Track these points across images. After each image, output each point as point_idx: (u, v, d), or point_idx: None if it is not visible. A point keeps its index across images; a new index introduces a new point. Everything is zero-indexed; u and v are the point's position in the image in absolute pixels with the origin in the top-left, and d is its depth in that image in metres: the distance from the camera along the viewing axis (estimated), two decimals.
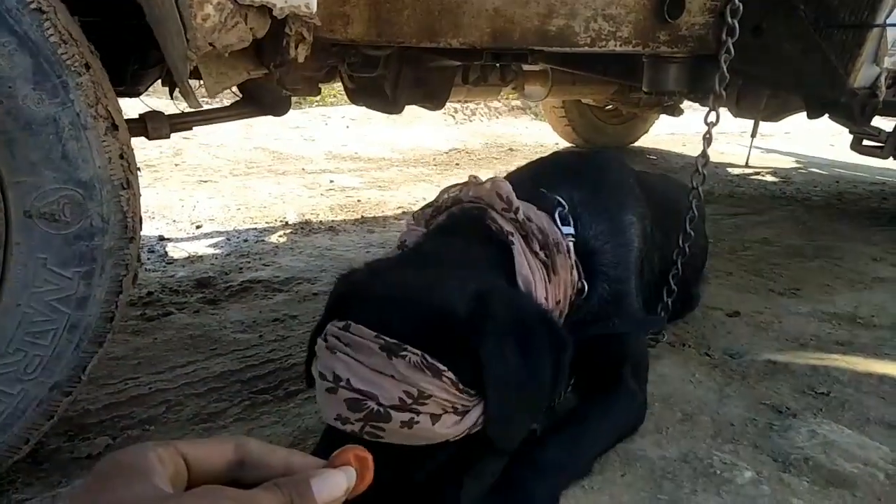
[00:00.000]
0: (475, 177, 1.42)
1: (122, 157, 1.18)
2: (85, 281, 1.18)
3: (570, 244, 1.32)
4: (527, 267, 1.21)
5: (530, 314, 1.13)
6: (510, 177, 1.63)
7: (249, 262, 2.61)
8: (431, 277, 1.13)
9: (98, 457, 1.38)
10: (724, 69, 1.60)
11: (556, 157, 1.76)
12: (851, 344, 1.91)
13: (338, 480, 0.54)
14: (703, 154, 1.62)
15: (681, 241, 1.66)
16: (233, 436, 0.61)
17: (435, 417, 0.97)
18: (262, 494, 0.50)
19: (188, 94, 1.25)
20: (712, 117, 1.65)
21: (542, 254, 1.25)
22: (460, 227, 1.31)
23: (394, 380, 0.96)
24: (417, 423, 0.96)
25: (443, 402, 0.97)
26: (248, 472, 0.54)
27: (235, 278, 2.42)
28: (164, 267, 2.56)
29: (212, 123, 1.97)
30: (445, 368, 0.97)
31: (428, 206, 1.46)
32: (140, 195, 1.26)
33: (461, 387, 0.99)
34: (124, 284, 1.24)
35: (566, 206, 1.39)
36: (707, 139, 1.64)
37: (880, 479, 1.27)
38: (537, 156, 1.84)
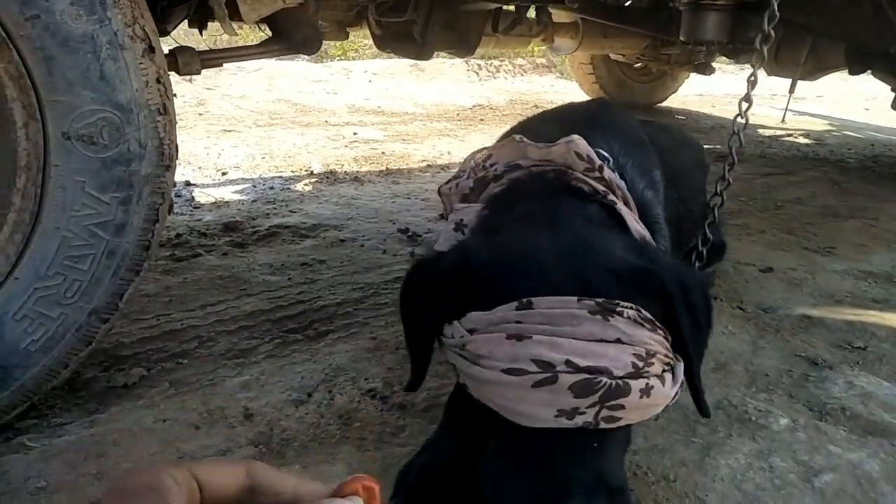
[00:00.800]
0: (516, 135, 1.30)
1: (158, 81, 1.16)
2: (123, 207, 1.18)
3: None
4: (636, 224, 1.13)
5: (685, 271, 1.06)
6: (523, 127, 1.57)
7: (276, 209, 2.60)
8: (576, 236, 0.98)
9: (133, 387, 1.40)
10: (775, 5, 1.52)
11: (571, 107, 1.70)
12: (888, 301, 1.87)
13: None
14: (747, 97, 1.57)
15: (717, 188, 1.62)
16: (244, 459, 0.61)
17: (661, 379, 0.87)
18: None
19: (224, 20, 1.22)
20: (756, 63, 1.57)
21: (634, 214, 1.17)
22: (545, 191, 1.15)
23: (620, 344, 0.84)
24: (653, 388, 0.85)
25: (663, 360, 0.88)
26: (258, 498, 0.55)
27: (262, 223, 2.42)
28: (192, 211, 2.56)
29: (243, 59, 1.94)
30: (655, 320, 0.88)
31: (456, 178, 1.33)
32: (176, 122, 1.25)
33: (669, 337, 0.90)
34: (160, 213, 1.24)
35: (610, 160, 1.32)
36: (752, 82, 1.57)
37: None
38: None
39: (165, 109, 1.19)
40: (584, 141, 1.19)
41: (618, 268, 0.91)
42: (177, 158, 1.26)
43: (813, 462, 1.15)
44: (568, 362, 0.82)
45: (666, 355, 0.89)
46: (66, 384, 1.39)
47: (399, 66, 5.82)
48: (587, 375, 0.82)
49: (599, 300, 0.85)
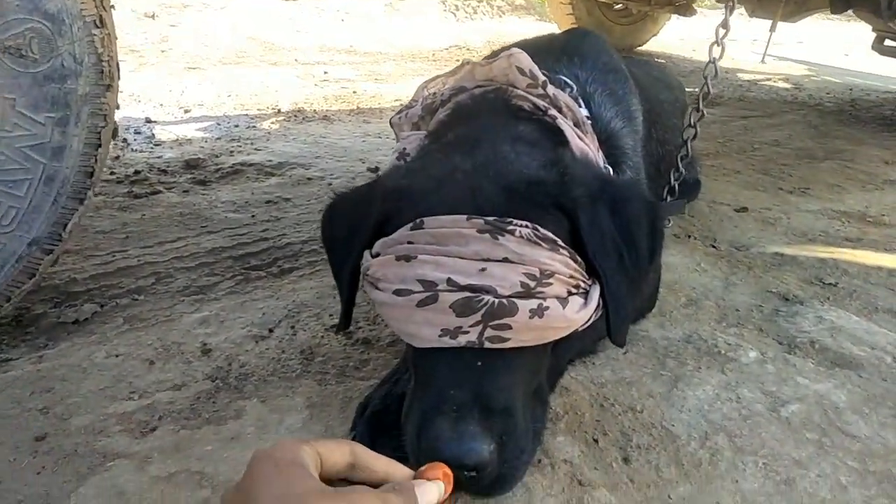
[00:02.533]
0: (468, 61, 1.23)
1: None
2: (59, 129, 1.09)
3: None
4: (578, 140, 1.07)
5: (615, 181, 1.01)
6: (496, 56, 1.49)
7: (240, 147, 2.50)
8: (488, 156, 0.93)
9: (85, 323, 1.33)
10: None
11: (541, 38, 1.62)
12: (861, 240, 1.86)
13: (433, 492, 0.68)
14: (724, 24, 1.50)
15: (692, 119, 1.56)
16: (347, 441, 0.71)
17: (563, 301, 0.84)
18: (391, 496, 0.63)
19: None
20: None
21: (577, 130, 1.11)
22: (483, 112, 1.09)
23: (508, 263, 0.81)
24: (547, 308, 0.82)
25: (566, 280, 0.85)
26: (357, 474, 0.67)
27: (226, 161, 2.32)
28: (152, 148, 2.45)
29: None
30: (558, 238, 0.84)
31: (407, 107, 1.26)
32: (116, 38, 1.15)
33: (578, 258, 0.86)
34: (103, 137, 1.15)
35: (574, 87, 1.26)
36: (729, 7, 1.50)
37: (887, 361, 1.25)
38: None
39: (102, 22, 1.09)
40: (525, 55, 1.13)
41: (517, 184, 0.87)
42: (119, 78, 1.17)
43: (780, 393, 1.14)
44: (449, 280, 0.80)
45: (572, 276, 0.85)
46: (13, 320, 1.33)
47: (373, 5, 5.61)
48: (469, 294, 0.80)
49: (490, 219, 0.82)
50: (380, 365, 1.21)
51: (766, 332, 1.35)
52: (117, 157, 2.30)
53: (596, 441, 1.02)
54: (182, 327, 1.33)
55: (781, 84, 4.23)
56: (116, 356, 1.22)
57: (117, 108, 1.18)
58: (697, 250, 1.76)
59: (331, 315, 1.39)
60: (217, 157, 2.36)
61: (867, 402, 1.13)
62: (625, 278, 0.91)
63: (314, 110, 3.09)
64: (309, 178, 2.21)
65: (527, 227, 0.82)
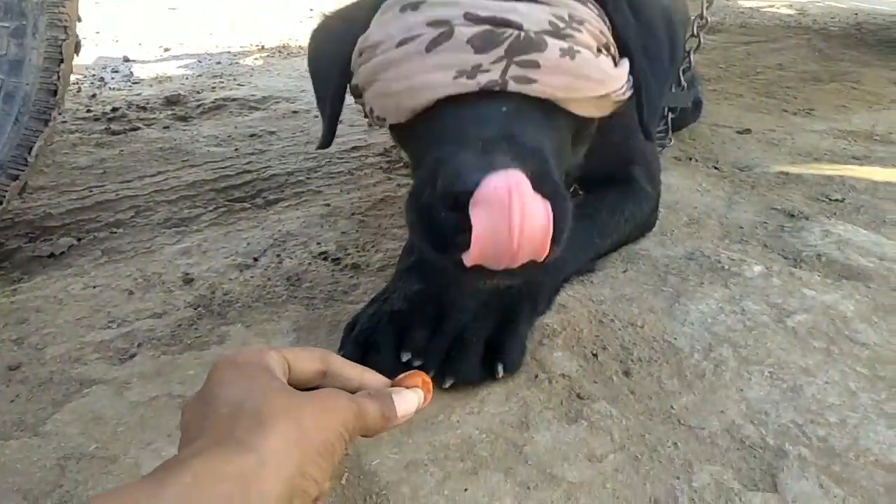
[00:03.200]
0: None
1: None
2: (15, 40, 1.01)
3: None
4: None
5: None
6: None
7: (222, 83, 2.40)
8: None
9: (61, 256, 1.28)
10: None
11: None
12: (868, 157, 1.80)
13: (412, 399, 0.64)
14: None
15: (695, 29, 1.47)
16: (319, 349, 0.65)
17: (594, 51, 0.77)
18: (366, 402, 0.58)
19: None
20: None
21: None
22: None
23: (534, 4, 0.74)
24: (579, 52, 0.75)
25: (596, 35, 0.78)
26: (329, 382, 0.62)
27: (207, 97, 2.23)
28: (130, 86, 2.35)
29: None
30: None
31: None
32: None
33: (605, 19, 0.80)
34: (65, 51, 1.07)
35: None
36: None
37: None
38: None
39: None
40: None
41: None
42: None
43: (786, 304, 1.10)
44: (467, 15, 0.72)
45: (602, 33, 0.79)
46: None
47: None
48: (490, 27, 0.72)
49: None
50: (369, 289, 1.16)
51: (770, 248, 1.30)
52: (94, 96, 2.21)
53: (595, 356, 0.98)
54: (163, 258, 1.28)
55: (784, 10, 4.08)
56: (94, 287, 1.17)
57: (79, 20, 1.10)
58: (699, 172, 1.69)
59: (318, 243, 1.34)
60: (198, 93, 2.27)
61: (876, 311, 1.08)
62: (650, 65, 0.85)
63: (299, 46, 2.97)
64: (294, 112, 2.13)
65: None
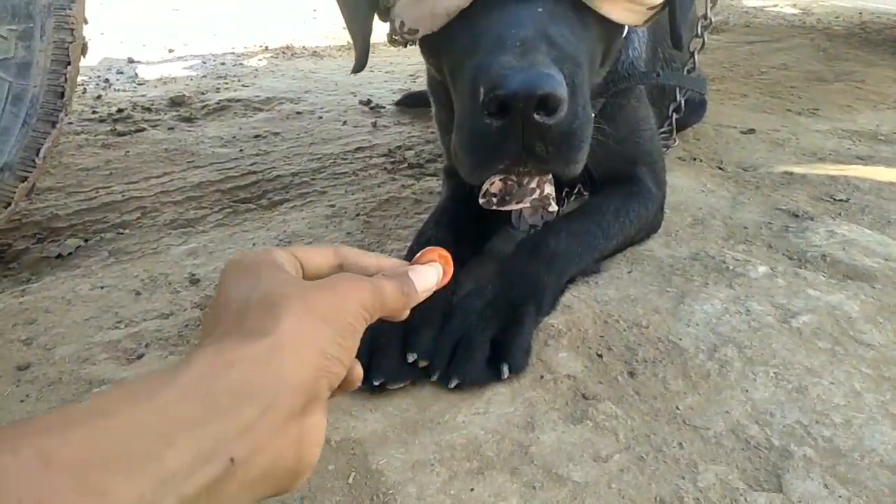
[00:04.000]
0: None
1: None
2: (23, 43, 1.02)
3: None
4: None
5: None
6: None
7: (227, 84, 2.41)
8: None
9: (69, 257, 1.29)
10: None
11: None
12: (872, 158, 1.79)
13: (430, 275, 0.62)
14: None
15: (699, 29, 1.47)
16: (331, 245, 0.66)
17: None
18: (383, 282, 0.56)
19: None
20: None
21: None
22: None
23: None
24: None
25: None
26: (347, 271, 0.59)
27: (212, 98, 2.24)
28: (135, 87, 2.36)
29: None
30: None
31: None
32: None
33: None
34: (72, 53, 1.08)
35: None
36: None
37: None
38: None
39: None
40: None
41: None
42: None
43: (791, 305, 1.10)
44: None
45: None
46: None
47: None
48: None
49: None
50: None
51: (775, 248, 1.30)
52: (99, 97, 2.22)
53: (600, 356, 0.98)
54: (169, 259, 1.28)
55: (788, 9, 4.08)
56: (101, 288, 1.18)
57: (85, 22, 1.10)
58: (703, 172, 1.69)
59: (324, 243, 1.34)
60: (203, 94, 2.28)
61: (881, 311, 1.08)
62: None
63: (303, 47, 2.98)
64: (298, 112, 2.13)
65: None
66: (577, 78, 0.77)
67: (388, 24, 0.94)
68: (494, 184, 1.02)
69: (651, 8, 0.90)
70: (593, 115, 1.15)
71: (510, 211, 1.15)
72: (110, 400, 0.39)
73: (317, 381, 0.46)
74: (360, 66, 1.03)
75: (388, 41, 0.98)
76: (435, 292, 0.98)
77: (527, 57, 0.71)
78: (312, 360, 0.46)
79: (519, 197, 1.03)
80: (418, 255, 0.65)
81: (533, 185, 1.03)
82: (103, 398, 0.39)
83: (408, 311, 0.60)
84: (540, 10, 0.78)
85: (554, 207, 1.09)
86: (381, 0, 0.91)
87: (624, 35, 1.05)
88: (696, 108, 1.85)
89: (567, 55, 0.76)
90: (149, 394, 0.39)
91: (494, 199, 1.04)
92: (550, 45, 0.74)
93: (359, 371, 0.56)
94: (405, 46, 0.97)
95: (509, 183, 1.02)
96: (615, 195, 1.25)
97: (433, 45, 0.93)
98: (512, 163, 0.79)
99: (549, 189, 1.07)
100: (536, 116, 0.71)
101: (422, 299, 0.60)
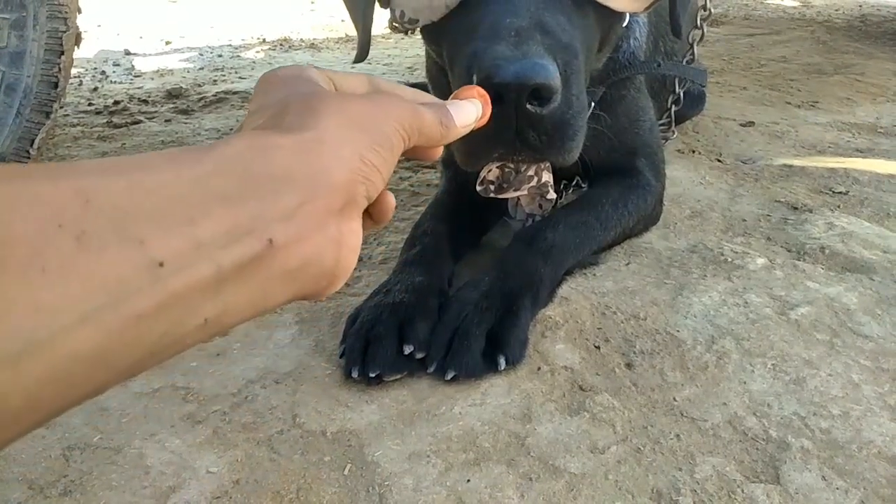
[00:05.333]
0: None
1: None
2: (16, 32, 1.01)
3: None
4: None
5: None
6: None
7: (224, 76, 2.40)
8: None
9: None
10: None
11: None
12: (872, 150, 1.79)
13: (470, 110, 0.59)
14: None
15: (698, 21, 1.46)
16: (361, 73, 0.59)
17: None
18: (424, 109, 0.52)
19: None
20: None
21: None
22: None
23: None
24: None
25: None
26: None
27: (209, 90, 2.23)
28: (132, 79, 2.35)
29: None
30: None
31: None
32: None
33: None
34: (65, 43, 1.07)
35: None
36: None
37: None
38: None
39: None
40: None
41: None
42: None
43: (789, 297, 1.10)
44: None
45: None
46: None
47: None
48: None
49: None
50: (372, 282, 1.16)
51: (774, 240, 1.30)
52: (95, 89, 2.21)
53: (598, 348, 0.98)
54: None
55: (788, 2, 4.06)
56: None
57: (79, 11, 1.09)
58: (702, 164, 1.69)
59: None
60: (200, 86, 2.27)
61: (879, 303, 1.08)
62: None
63: (301, 39, 2.97)
64: None
65: None
66: (571, 67, 0.78)
67: (388, 11, 0.93)
68: (492, 171, 1.02)
69: None
70: (592, 103, 1.16)
71: (507, 199, 1.15)
72: (151, 158, 0.38)
73: (355, 184, 0.45)
74: (361, 55, 1.03)
75: (390, 27, 0.98)
76: (429, 283, 0.99)
77: (521, 46, 0.72)
78: (351, 162, 0.44)
79: (517, 185, 1.03)
80: (458, 91, 0.62)
81: (531, 172, 1.03)
82: (146, 156, 0.38)
83: (444, 144, 0.57)
84: None
85: (552, 195, 1.09)
86: None
87: (625, 23, 1.05)
88: (695, 101, 1.84)
89: (562, 44, 0.77)
90: (189, 162, 0.38)
91: (492, 187, 1.03)
92: (545, 33, 0.75)
93: (391, 200, 0.53)
94: (406, 34, 0.97)
95: (506, 170, 1.02)
96: (614, 187, 1.24)
97: (433, 34, 0.93)
98: (506, 151, 0.80)
99: (547, 177, 1.06)
100: (529, 106, 0.72)
101: (460, 135, 0.57)
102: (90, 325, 0.32)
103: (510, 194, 1.04)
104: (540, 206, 1.15)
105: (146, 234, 0.34)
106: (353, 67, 1.21)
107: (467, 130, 0.58)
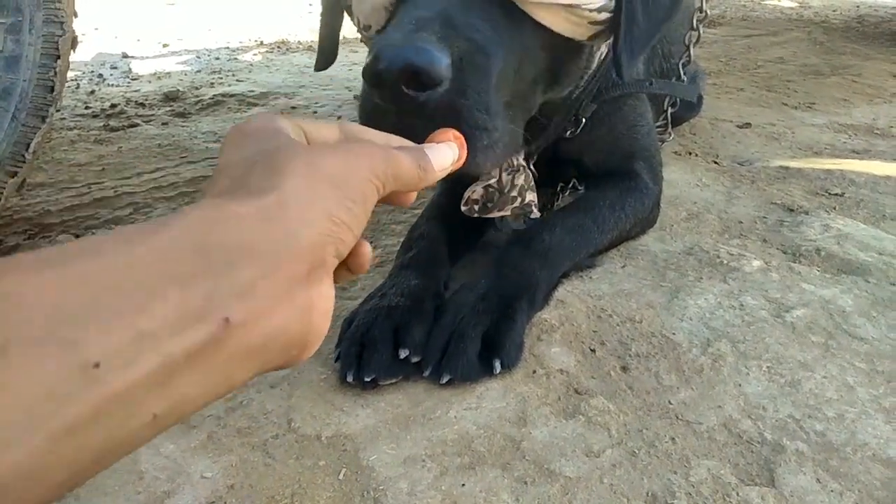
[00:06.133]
0: None
1: None
2: (12, 36, 1.01)
3: None
4: None
5: None
6: None
7: (221, 79, 2.40)
8: None
9: None
10: None
11: None
12: (868, 152, 1.79)
13: (446, 153, 0.58)
14: None
15: (694, 22, 1.46)
16: (334, 120, 0.57)
17: None
18: (397, 152, 0.51)
19: None
20: None
21: None
22: None
23: None
24: None
25: None
26: None
27: (206, 93, 2.23)
28: (129, 82, 2.35)
29: None
30: None
31: None
32: None
33: None
34: (61, 47, 1.07)
35: None
36: None
37: None
38: None
39: None
40: None
41: None
42: None
43: (785, 299, 1.10)
44: None
45: None
46: None
47: None
48: None
49: None
50: (368, 285, 1.16)
51: (769, 242, 1.30)
52: (92, 92, 2.21)
53: (593, 351, 0.98)
54: None
55: (786, 3, 4.07)
56: None
57: (75, 15, 1.09)
58: (699, 166, 1.69)
59: None
60: (197, 89, 2.27)
61: (875, 305, 1.08)
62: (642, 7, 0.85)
63: (298, 41, 2.97)
64: (293, 107, 2.12)
65: None
66: (473, 59, 0.73)
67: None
68: (476, 191, 1.02)
69: (594, 23, 0.86)
70: (583, 119, 1.15)
71: None
72: (97, 242, 0.35)
73: (323, 247, 0.43)
74: (322, 63, 1.00)
75: (362, 41, 0.97)
76: (425, 287, 0.99)
77: (412, 34, 0.69)
78: (319, 224, 0.42)
79: (500, 205, 1.02)
80: (432, 134, 0.61)
81: (514, 193, 1.03)
82: (91, 240, 0.36)
83: (421, 188, 0.55)
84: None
85: (536, 214, 1.09)
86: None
87: (602, 55, 1.04)
88: (691, 103, 1.84)
89: (463, 36, 0.73)
90: (138, 240, 0.35)
91: (476, 207, 1.03)
92: (447, 26, 0.72)
93: (367, 250, 0.51)
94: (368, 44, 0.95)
95: (490, 190, 1.01)
96: (611, 189, 1.25)
97: None
98: None
99: (532, 197, 1.06)
100: (406, 90, 0.68)
101: (437, 179, 0.55)
102: (13, 449, 0.29)
103: (494, 214, 1.04)
104: (524, 222, 1.15)
105: (79, 333, 0.31)
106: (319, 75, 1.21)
107: (445, 174, 0.57)
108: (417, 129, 0.67)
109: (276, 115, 0.51)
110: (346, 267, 0.50)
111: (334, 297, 0.46)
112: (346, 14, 0.96)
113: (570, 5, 0.81)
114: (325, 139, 0.52)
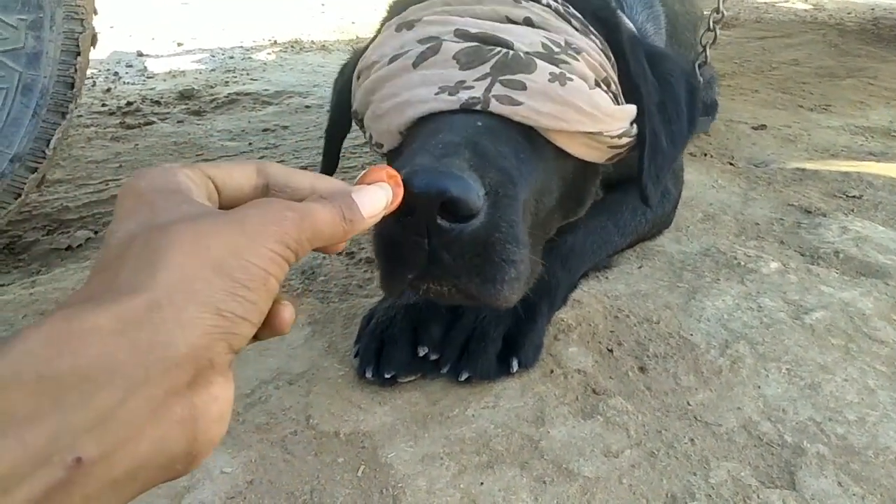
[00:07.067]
0: None
1: None
2: (33, 33, 1.02)
3: None
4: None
5: (652, 46, 0.93)
6: None
7: (236, 77, 2.41)
8: None
9: (78, 249, 1.29)
10: None
11: None
12: (885, 154, 1.78)
13: (378, 195, 0.51)
14: None
15: (710, 23, 1.46)
16: (252, 160, 0.54)
17: (590, 84, 0.74)
18: (315, 206, 0.45)
19: None
20: None
21: None
22: None
23: (530, 27, 0.72)
24: (571, 80, 0.72)
25: (595, 66, 0.76)
26: (274, 196, 0.49)
27: (221, 91, 2.24)
28: (144, 81, 2.36)
29: None
30: (589, 24, 0.76)
31: None
32: None
33: (611, 57, 0.78)
34: (81, 44, 1.08)
35: None
36: None
37: None
38: None
39: None
40: None
41: None
42: None
43: (804, 301, 1.09)
44: (457, 31, 0.71)
45: (602, 66, 0.76)
46: (5, 248, 1.29)
47: None
48: (478, 43, 0.70)
49: None
50: None
51: (787, 244, 1.29)
52: (108, 90, 2.22)
53: (611, 351, 0.97)
54: None
55: (800, 5, 4.05)
56: None
57: (95, 12, 1.10)
58: (714, 168, 1.68)
59: None
60: (212, 87, 2.28)
61: (895, 308, 1.07)
62: (666, 126, 0.83)
63: (312, 41, 2.98)
64: (307, 106, 2.13)
65: (557, 1, 0.74)
66: (504, 191, 0.68)
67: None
68: None
69: (613, 147, 0.84)
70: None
71: None
72: None
73: (209, 348, 0.37)
74: (326, 168, 1.00)
75: (370, 149, 0.96)
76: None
77: (443, 159, 0.64)
78: (201, 322, 0.37)
79: None
80: (363, 174, 0.54)
81: None
82: None
83: (348, 239, 0.49)
84: (479, 123, 0.72)
85: None
86: (353, 103, 0.88)
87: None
88: (707, 108, 1.83)
89: (494, 166, 0.69)
90: None
91: None
92: (476, 154, 0.67)
93: (287, 314, 0.45)
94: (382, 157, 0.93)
95: None
96: (633, 193, 1.24)
97: (393, 159, 0.86)
98: (421, 273, 0.68)
99: None
100: (440, 220, 0.63)
101: (368, 226, 0.49)
102: None
103: None
104: None
105: None
106: None
107: (377, 219, 0.50)
108: (446, 263, 0.65)
109: (178, 167, 0.45)
110: (267, 327, 0.44)
111: (232, 395, 0.41)
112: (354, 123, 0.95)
113: (591, 132, 0.78)
114: (240, 188, 0.48)
